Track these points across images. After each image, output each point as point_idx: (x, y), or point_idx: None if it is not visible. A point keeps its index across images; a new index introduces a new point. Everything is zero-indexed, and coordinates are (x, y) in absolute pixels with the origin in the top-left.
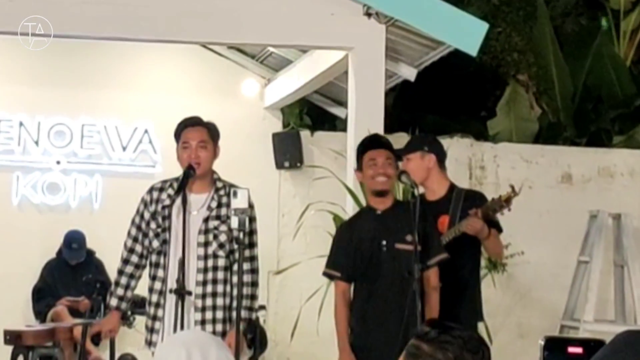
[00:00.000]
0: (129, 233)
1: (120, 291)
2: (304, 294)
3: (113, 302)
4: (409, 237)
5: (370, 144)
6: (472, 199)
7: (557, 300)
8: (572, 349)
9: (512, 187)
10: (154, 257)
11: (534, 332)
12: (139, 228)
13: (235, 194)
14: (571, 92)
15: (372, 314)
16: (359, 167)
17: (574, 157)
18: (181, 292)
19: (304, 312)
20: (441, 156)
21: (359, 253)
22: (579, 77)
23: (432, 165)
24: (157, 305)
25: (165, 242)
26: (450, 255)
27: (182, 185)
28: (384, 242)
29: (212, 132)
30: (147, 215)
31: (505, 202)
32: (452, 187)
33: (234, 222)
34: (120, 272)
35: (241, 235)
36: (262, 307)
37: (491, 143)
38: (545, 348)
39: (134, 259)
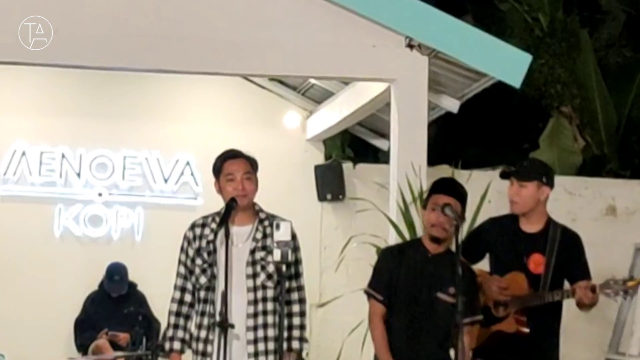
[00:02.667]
0: (178, 273)
1: (180, 333)
2: (346, 327)
3: (176, 345)
4: (452, 289)
5: (439, 187)
6: (569, 241)
7: (601, 333)
8: None
9: None
10: (202, 294)
11: None
12: (186, 266)
13: (277, 226)
14: (615, 124)
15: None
16: (424, 205)
17: (618, 189)
18: (224, 326)
19: (346, 346)
20: (551, 190)
21: (399, 287)
22: (623, 109)
23: (543, 199)
24: (206, 341)
25: (214, 277)
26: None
27: (225, 217)
28: (427, 288)
29: (253, 164)
30: (191, 253)
31: (630, 288)
32: (549, 222)
33: (277, 255)
34: (178, 314)
35: (284, 267)
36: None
37: None
38: None
39: (187, 297)
